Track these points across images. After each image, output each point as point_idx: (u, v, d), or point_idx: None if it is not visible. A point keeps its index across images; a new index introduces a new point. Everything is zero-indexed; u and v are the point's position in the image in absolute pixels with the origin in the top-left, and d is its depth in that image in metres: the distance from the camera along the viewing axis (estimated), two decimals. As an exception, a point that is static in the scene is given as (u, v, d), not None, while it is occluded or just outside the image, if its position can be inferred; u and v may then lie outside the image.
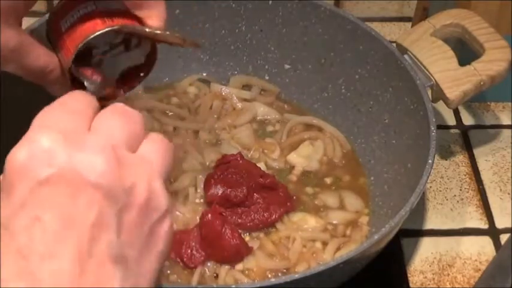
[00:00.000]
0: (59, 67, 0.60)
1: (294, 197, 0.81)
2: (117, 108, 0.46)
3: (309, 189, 0.82)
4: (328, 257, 0.75)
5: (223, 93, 0.91)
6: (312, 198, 0.81)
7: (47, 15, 0.81)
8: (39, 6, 1.02)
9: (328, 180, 0.84)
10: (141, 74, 0.67)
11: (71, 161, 0.41)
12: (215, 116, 0.88)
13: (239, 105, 0.90)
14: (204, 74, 0.93)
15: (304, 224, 0.78)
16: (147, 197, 0.43)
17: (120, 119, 0.45)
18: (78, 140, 0.42)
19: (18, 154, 0.41)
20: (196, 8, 0.89)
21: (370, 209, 0.81)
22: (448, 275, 0.78)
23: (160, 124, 0.87)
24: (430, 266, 0.79)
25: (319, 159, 0.85)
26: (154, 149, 0.46)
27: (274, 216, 0.77)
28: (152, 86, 0.91)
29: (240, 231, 0.76)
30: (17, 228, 0.38)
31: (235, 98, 0.90)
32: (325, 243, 0.77)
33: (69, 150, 0.41)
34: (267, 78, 0.92)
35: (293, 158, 0.85)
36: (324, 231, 0.78)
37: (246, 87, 0.92)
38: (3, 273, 0.37)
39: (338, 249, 0.77)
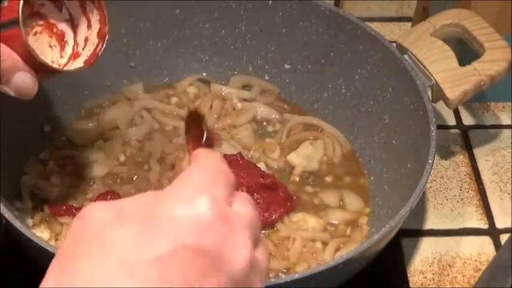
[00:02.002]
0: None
1: (294, 197, 0.81)
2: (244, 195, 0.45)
3: (309, 188, 0.82)
4: (328, 257, 0.75)
5: (223, 93, 0.91)
6: (312, 198, 0.82)
7: None
8: (39, 6, 1.02)
9: (328, 179, 0.84)
10: None
11: (221, 244, 0.40)
12: (215, 116, 0.88)
13: (239, 105, 0.90)
14: (204, 74, 0.93)
15: (304, 224, 0.78)
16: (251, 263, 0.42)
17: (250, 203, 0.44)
18: (232, 225, 0.41)
19: (181, 210, 0.40)
20: (196, 8, 0.89)
21: (370, 209, 0.81)
22: (448, 275, 0.78)
23: (160, 124, 0.87)
24: (430, 266, 0.79)
25: (319, 159, 0.85)
26: (267, 257, 0.45)
27: (274, 216, 0.77)
28: (152, 86, 0.91)
29: None
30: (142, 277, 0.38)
31: (235, 98, 0.90)
32: (325, 243, 0.77)
33: (223, 232, 0.40)
34: (267, 78, 0.92)
35: (293, 158, 0.85)
36: (324, 231, 0.78)
37: (246, 87, 0.92)
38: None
39: (338, 249, 0.77)
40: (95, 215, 0.40)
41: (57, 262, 0.39)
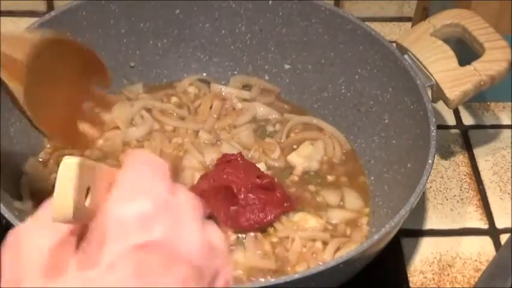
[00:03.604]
0: None
1: (293, 198, 0.80)
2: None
3: (311, 187, 0.82)
4: (328, 257, 0.75)
5: (223, 94, 0.91)
6: (313, 196, 0.81)
7: (46, 15, 0.81)
8: (39, 6, 1.02)
9: (329, 178, 0.84)
10: None
11: (171, 233, 0.40)
12: (215, 116, 0.88)
13: (239, 105, 0.90)
14: (204, 74, 0.93)
15: (304, 223, 0.78)
16: (226, 282, 0.43)
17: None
18: (178, 213, 0.41)
19: (123, 210, 0.39)
20: (196, 8, 0.89)
21: (370, 208, 0.81)
22: (448, 275, 0.78)
23: (160, 124, 0.87)
24: (430, 266, 0.79)
25: (319, 160, 0.85)
26: (222, 238, 0.45)
27: (269, 217, 0.77)
28: (152, 86, 0.91)
29: (235, 230, 0.76)
30: (102, 285, 0.37)
31: (235, 98, 0.90)
32: (325, 243, 0.77)
33: (170, 221, 0.40)
34: (267, 78, 0.92)
35: (293, 158, 0.85)
36: (324, 230, 0.78)
37: (246, 87, 0.92)
38: None
39: (338, 249, 0.77)
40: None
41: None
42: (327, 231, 0.78)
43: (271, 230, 0.78)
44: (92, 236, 0.39)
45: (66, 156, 0.39)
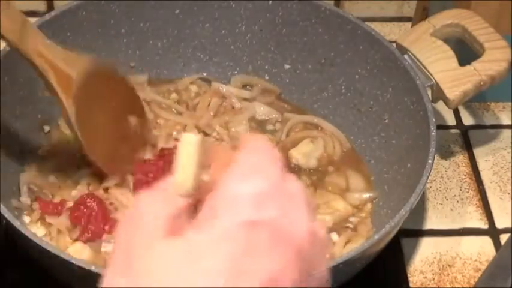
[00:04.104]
0: None
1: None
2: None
3: (313, 180, 0.83)
4: (338, 250, 0.75)
5: (223, 92, 0.90)
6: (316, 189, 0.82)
7: (46, 15, 0.81)
8: (39, 6, 1.02)
9: (330, 168, 0.85)
10: None
11: (282, 215, 0.40)
12: (212, 113, 0.88)
13: (238, 104, 0.90)
14: (204, 74, 0.93)
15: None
16: (320, 282, 0.43)
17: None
18: (289, 198, 0.42)
19: (240, 186, 0.41)
20: (196, 8, 0.89)
21: (372, 206, 0.81)
22: (448, 275, 0.78)
23: (154, 116, 0.87)
24: (430, 266, 0.79)
25: (318, 157, 0.85)
26: (324, 230, 0.46)
27: None
28: (156, 81, 0.91)
29: None
30: (209, 252, 0.38)
31: (234, 97, 0.90)
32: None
33: (282, 203, 0.41)
34: (267, 78, 0.92)
35: (293, 154, 0.85)
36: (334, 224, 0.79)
37: (248, 86, 0.92)
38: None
39: (347, 242, 0.77)
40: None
41: (119, 260, 0.40)
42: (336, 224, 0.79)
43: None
44: (207, 209, 0.41)
45: (185, 134, 0.42)
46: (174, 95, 0.90)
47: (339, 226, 0.79)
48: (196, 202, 0.42)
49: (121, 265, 0.40)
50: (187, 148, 0.41)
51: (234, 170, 0.42)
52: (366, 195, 0.81)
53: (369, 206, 0.81)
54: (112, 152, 0.77)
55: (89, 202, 0.75)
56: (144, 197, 0.43)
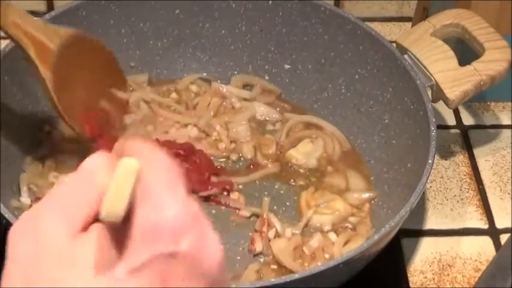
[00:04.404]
0: None
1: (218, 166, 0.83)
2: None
3: (313, 179, 0.84)
4: (338, 250, 0.76)
5: (223, 92, 0.90)
6: (316, 187, 0.83)
7: (46, 15, 0.81)
8: (39, 6, 1.02)
9: (329, 169, 0.85)
10: None
11: (197, 245, 0.39)
12: (212, 113, 0.88)
13: (238, 104, 0.90)
14: (204, 74, 0.93)
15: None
16: None
17: None
18: (204, 226, 0.40)
19: (159, 215, 0.39)
20: (196, 8, 0.89)
21: (370, 206, 0.81)
22: (448, 275, 0.78)
23: (153, 114, 0.87)
24: (430, 266, 0.79)
25: (317, 157, 0.85)
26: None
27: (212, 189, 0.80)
28: (156, 81, 0.91)
29: None
30: (124, 285, 0.37)
31: (234, 97, 0.90)
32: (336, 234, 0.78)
33: (198, 233, 0.40)
34: (267, 78, 0.92)
35: (293, 154, 0.85)
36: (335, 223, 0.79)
37: (248, 86, 0.92)
38: None
39: (347, 242, 0.77)
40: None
41: (19, 271, 0.38)
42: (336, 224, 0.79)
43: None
44: (120, 237, 0.39)
45: (125, 157, 0.39)
46: (173, 95, 0.90)
47: (338, 226, 0.79)
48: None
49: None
50: (126, 174, 0.39)
51: (148, 196, 0.40)
52: (366, 195, 0.81)
53: (368, 206, 0.81)
54: (90, 116, 0.79)
55: None
56: (40, 212, 0.40)
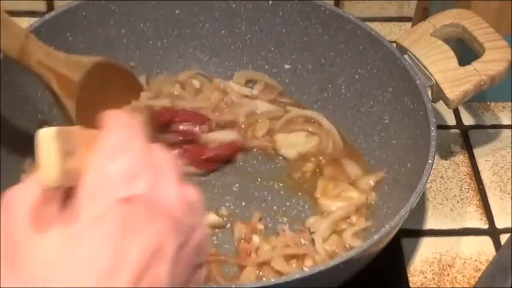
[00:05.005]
0: None
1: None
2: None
3: (309, 165, 0.84)
4: (349, 237, 0.76)
5: (225, 88, 0.90)
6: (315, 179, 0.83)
7: (46, 15, 0.81)
8: (39, 6, 1.02)
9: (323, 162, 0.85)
10: None
11: (152, 187, 0.42)
12: (211, 109, 0.88)
13: (238, 100, 0.90)
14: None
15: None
16: (201, 240, 0.45)
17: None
18: (158, 170, 0.43)
19: (107, 166, 0.41)
20: (196, 8, 0.89)
21: (369, 202, 0.81)
22: (448, 275, 0.78)
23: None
24: (430, 266, 0.79)
25: (301, 152, 0.85)
26: (198, 197, 0.47)
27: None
28: (155, 78, 0.91)
29: None
30: (88, 237, 0.39)
31: (236, 93, 0.90)
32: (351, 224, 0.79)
33: (151, 176, 0.42)
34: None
35: (278, 137, 0.85)
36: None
37: (251, 82, 0.92)
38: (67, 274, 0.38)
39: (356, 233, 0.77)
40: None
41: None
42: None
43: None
44: (77, 193, 0.41)
45: (40, 129, 0.41)
46: (177, 87, 0.90)
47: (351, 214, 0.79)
48: (70, 190, 0.42)
49: (5, 262, 0.40)
50: (45, 142, 0.40)
51: (100, 151, 0.42)
52: (372, 177, 0.82)
53: (373, 195, 0.81)
54: None
55: None
56: (11, 189, 0.42)
